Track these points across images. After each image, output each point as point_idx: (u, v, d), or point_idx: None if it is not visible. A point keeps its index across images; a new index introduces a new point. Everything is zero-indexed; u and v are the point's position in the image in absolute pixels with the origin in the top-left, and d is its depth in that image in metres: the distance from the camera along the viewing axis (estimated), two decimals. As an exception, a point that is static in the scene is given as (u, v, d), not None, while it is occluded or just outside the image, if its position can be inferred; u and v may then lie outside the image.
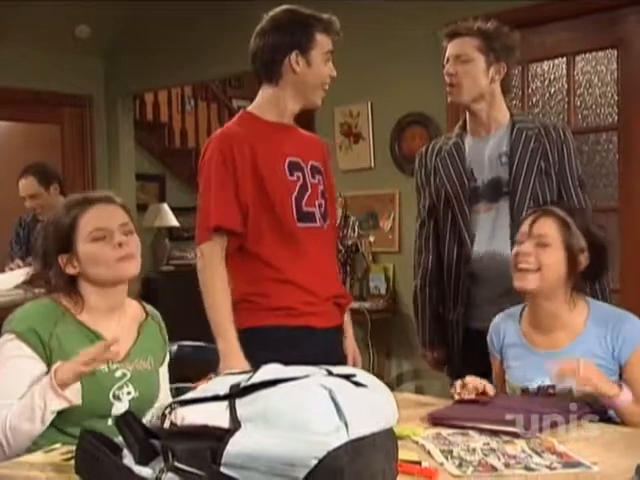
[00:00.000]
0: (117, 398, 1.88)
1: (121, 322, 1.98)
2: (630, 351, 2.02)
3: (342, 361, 2.34)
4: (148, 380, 1.99)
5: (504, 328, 2.19)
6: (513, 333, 2.16)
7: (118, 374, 1.90)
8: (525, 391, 2.06)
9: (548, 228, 2.08)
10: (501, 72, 2.53)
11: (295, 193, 2.30)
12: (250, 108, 2.41)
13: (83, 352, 1.75)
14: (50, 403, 1.73)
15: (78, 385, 1.76)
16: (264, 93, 2.38)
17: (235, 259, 2.30)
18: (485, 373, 2.19)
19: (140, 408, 1.86)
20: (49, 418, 1.74)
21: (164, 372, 2.09)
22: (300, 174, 2.33)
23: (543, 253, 2.07)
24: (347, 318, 2.52)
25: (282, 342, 2.21)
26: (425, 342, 2.73)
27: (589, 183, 3.88)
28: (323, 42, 2.35)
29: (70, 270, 1.92)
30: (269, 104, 2.36)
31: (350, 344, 2.50)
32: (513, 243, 2.22)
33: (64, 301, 1.92)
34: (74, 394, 1.75)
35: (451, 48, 2.53)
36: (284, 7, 2.38)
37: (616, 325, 2.04)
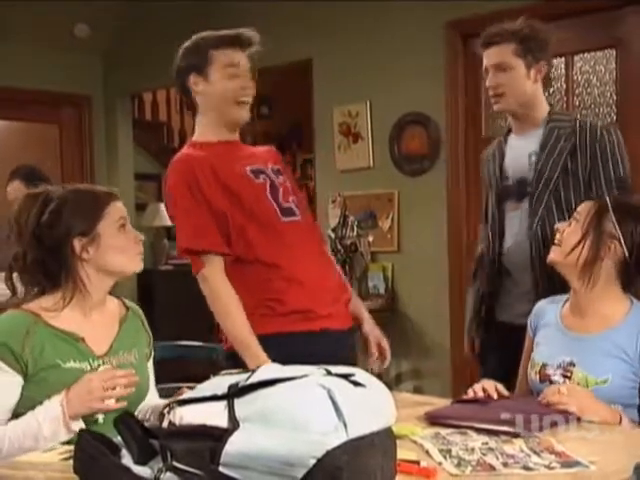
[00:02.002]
0: (129, 386, 1.84)
1: (100, 318, 1.96)
2: None
3: (355, 363, 2.28)
4: (135, 373, 1.96)
5: (545, 309, 2.20)
6: (552, 315, 2.16)
7: (102, 369, 1.88)
8: (545, 367, 2.06)
9: (583, 207, 2.11)
10: (542, 71, 2.52)
11: (268, 192, 2.29)
12: (194, 138, 2.41)
13: (97, 384, 1.75)
14: (59, 436, 1.73)
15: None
16: (197, 121, 2.41)
17: (236, 272, 2.25)
18: (509, 370, 2.22)
19: (129, 401, 1.85)
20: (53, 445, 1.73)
21: (150, 366, 2.08)
22: (265, 176, 2.32)
23: (568, 228, 2.11)
24: (357, 302, 2.49)
25: (300, 347, 2.14)
26: (464, 330, 2.75)
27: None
28: (221, 56, 2.32)
29: (84, 255, 1.89)
30: (205, 128, 2.37)
31: (369, 329, 2.45)
32: (531, 244, 2.36)
33: (43, 302, 1.88)
34: (79, 422, 1.76)
35: (489, 58, 2.51)
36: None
37: None
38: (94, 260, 1.90)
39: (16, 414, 1.80)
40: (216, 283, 2.22)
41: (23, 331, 1.81)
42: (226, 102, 2.30)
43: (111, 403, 1.77)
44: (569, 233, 2.10)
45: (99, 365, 1.88)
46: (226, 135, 2.35)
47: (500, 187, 2.56)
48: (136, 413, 1.92)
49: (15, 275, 1.93)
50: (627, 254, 2.04)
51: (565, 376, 2.02)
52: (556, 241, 2.13)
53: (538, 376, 2.09)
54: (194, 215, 2.22)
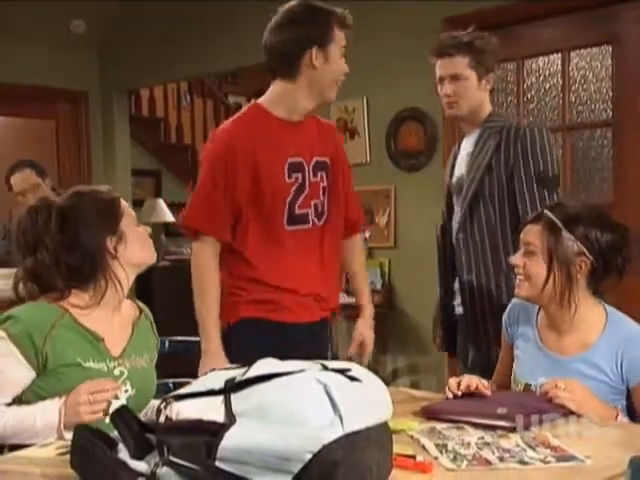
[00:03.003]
0: (115, 397, 1.86)
1: (119, 319, 1.99)
2: (638, 379, 1.95)
3: (321, 355, 2.36)
4: (145, 377, 2.00)
5: (520, 317, 2.16)
6: (528, 326, 2.12)
7: (116, 372, 1.91)
8: (528, 387, 2.05)
9: (533, 236, 2.03)
10: (491, 81, 2.66)
11: (290, 197, 2.32)
12: (260, 101, 2.39)
13: (84, 398, 1.75)
14: (50, 439, 1.74)
15: None
16: (277, 88, 2.37)
17: (223, 253, 2.35)
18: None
19: (137, 404, 1.87)
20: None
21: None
22: (299, 175, 2.34)
23: (529, 262, 2.03)
24: (364, 301, 2.59)
25: (260, 333, 2.31)
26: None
27: (585, 178, 3.92)
28: (340, 37, 2.33)
29: (117, 253, 1.95)
30: (280, 99, 2.35)
31: (359, 327, 2.57)
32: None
33: (72, 298, 1.91)
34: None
35: (444, 68, 2.63)
36: (300, 0, 2.38)
37: (629, 346, 1.96)
38: (123, 256, 1.96)
39: (29, 403, 1.82)
40: (204, 261, 2.32)
41: (49, 324, 1.83)
42: (332, 82, 2.33)
43: (100, 415, 1.76)
44: (533, 267, 2.02)
45: (114, 367, 1.91)
46: (297, 115, 2.35)
47: (448, 185, 2.80)
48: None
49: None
50: (595, 263, 1.98)
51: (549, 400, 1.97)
52: (520, 277, 2.06)
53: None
54: (213, 196, 2.29)
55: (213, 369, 1.49)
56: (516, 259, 2.07)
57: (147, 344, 2.05)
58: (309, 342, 2.36)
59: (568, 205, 2.12)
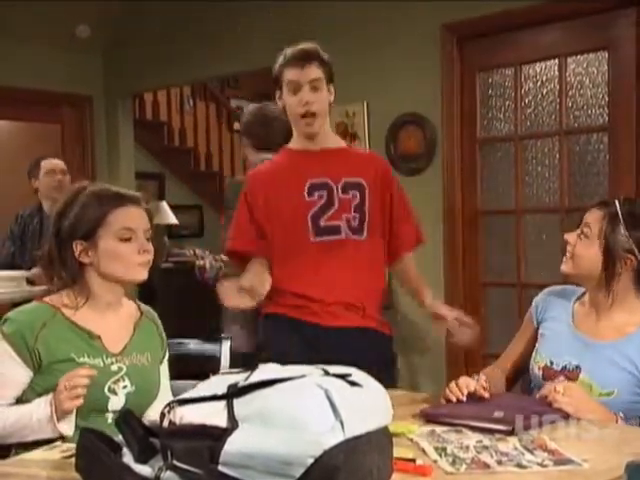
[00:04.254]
0: (113, 392, 1.90)
1: (117, 318, 2.01)
2: None
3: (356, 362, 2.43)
4: (145, 375, 2.01)
5: (554, 303, 2.19)
6: (562, 310, 2.16)
7: (114, 368, 1.92)
8: (549, 365, 2.07)
9: (593, 219, 2.07)
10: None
11: (313, 211, 2.50)
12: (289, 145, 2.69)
13: (61, 385, 1.77)
14: (45, 433, 1.78)
15: (72, 416, 1.80)
16: None
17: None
18: None
19: (137, 402, 1.91)
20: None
21: (164, 370, 2.11)
22: (324, 192, 2.52)
23: (580, 242, 2.08)
24: (427, 291, 2.70)
25: (288, 327, 2.51)
26: None
27: (581, 182, 3.97)
28: (286, 75, 2.51)
29: (84, 259, 1.93)
30: (294, 137, 2.63)
31: (439, 307, 2.68)
32: None
33: (64, 298, 1.93)
34: (70, 425, 1.80)
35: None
36: None
37: None
38: (95, 264, 1.94)
39: (29, 401, 1.84)
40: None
41: (40, 323, 1.86)
42: (295, 116, 2.54)
43: (80, 401, 1.77)
44: (583, 248, 2.07)
45: (112, 363, 1.92)
46: (312, 144, 2.58)
47: None
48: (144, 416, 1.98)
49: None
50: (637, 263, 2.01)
51: (569, 379, 2.01)
52: (568, 253, 2.11)
53: (541, 372, 2.09)
54: (239, 221, 2.59)
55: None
56: (570, 236, 2.11)
57: (150, 344, 2.06)
58: (340, 346, 2.41)
59: (637, 202, 2.14)
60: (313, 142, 2.57)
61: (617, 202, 2.07)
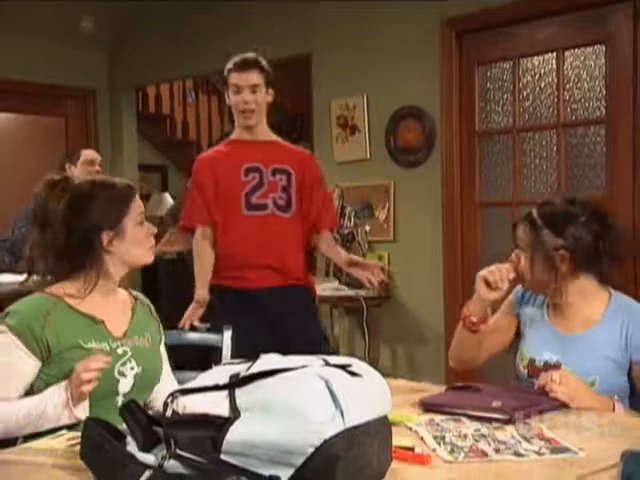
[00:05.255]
0: (122, 374, 1.93)
1: (115, 304, 2.03)
2: None
3: (285, 316, 3.07)
4: (149, 356, 2.04)
5: (530, 300, 2.25)
6: (537, 308, 2.21)
7: (120, 351, 1.95)
8: (532, 362, 2.12)
9: (521, 233, 2.16)
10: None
11: (246, 189, 3.03)
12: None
13: (77, 370, 1.79)
14: (62, 420, 1.79)
15: (86, 401, 1.82)
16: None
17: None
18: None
19: (144, 383, 1.96)
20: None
21: (163, 351, 2.15)
22: (257, 174, 3.05)
23: (520, 259, 2.15)
24: (338, 252, 3.24)
25: (229, 297, 3.06)
26: None
27: (579, 174, 4.01)
28: (231, 79, 3.04)
29: (110, 247, 1.96)
30: (235, 130, 3.17)
31: (350, 255, 3.24)
32: None
33: (67, 288, 1.94)
34: (84, 411, 1.81)
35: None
36: None
37: (631, 321, 2.05)
38: (117, 252, 1.98)
39: (40, 391, 1.84)
40: (197, 244, 3.11)
41: (44, 312, 1.87)
42: (237, 112, 3.09)
43: (93, 384, 1.79)
44: (523, 264, 2.14)
45: (117, 346, 1.95)
46: (248, 135, 3.11)
47: None
48: (149, 400, 2.03)
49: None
50: (576, 254, 2.07)
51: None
52: (519, 274, 2.17)
53: (526, 370, 2.14)
54: (191, 199, 3.13)
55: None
56: (513, 257, 2.18)
57: (147, 326, 2.08)
58: (273, 304, 3.04)
59: (553, 202, 2.20)
60: (250, 134, 3.09)
61: (533, 210, 2.16)
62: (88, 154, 4.57)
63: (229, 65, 3.04)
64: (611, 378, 2.03)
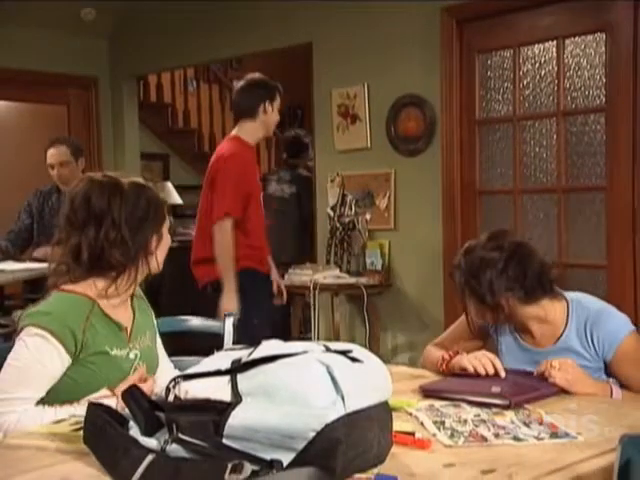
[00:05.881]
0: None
1: (124, 305, 2.01)
2: (612, 348, 2.05)
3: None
4: (151, 354, 2.05)
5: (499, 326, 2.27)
6: (510, 332, 2.23)
7: (131, 356, 1.95)
8: None
9: (458, 284, 2.16)
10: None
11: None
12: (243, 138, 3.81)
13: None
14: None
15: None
16: (249, 126, 3.80)
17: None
18: None
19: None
20: None
21: (159, 342, 2.15)
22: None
23: (471, 311, 2.18)
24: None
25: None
26: None
27: (578, 163, 4.02)
28: (279, 100, 3.81)
29: (156, 251, 1.96)
30: (253, 136, 3.82)
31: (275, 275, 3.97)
32: None
33: (94, 286, 1.90)
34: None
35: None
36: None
37: (594, 324, 2.07)
38: (156, 255, 1.98)
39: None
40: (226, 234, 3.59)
41: (84, 316, 1.85)
42: (272, 125, 3.84)
43: None
44: (473, 313, 2.17)
45: (129, 351, 1.95)
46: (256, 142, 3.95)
47: None
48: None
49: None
50: (510, 291, 2.07)
51: None
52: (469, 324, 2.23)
53: None
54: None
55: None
56: (468, 312, 2.20)
57: (146, 321, 2.08)
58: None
59: (474, 249, 2.18)
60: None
61: (460, 260, 2.16)
62: (47, 158, 4.50)
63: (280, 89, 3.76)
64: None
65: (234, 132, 3.78)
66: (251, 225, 3.66)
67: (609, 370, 2.08)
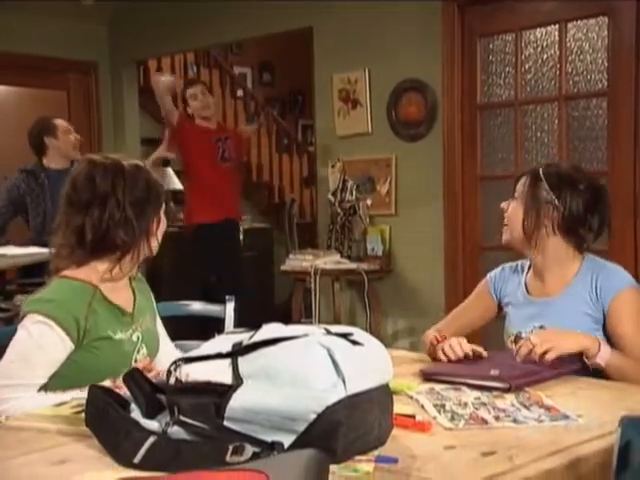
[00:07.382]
0: (136, 361, 1.93)
1: (125, 287, 2.02)
2: (609, 298, 2.09)
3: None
4: (153, 335, 2.06)
5: (508, 279, 2.30)
6: (516, 286, 2.26)
7: (134, 338, 1.95)
8: (519, 336, 2.15)
9: (520, 184, 2.22)
10: None
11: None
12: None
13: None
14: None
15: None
16: None
17: None
18: None
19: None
20: None
21: (160, 323, 2.15)
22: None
23: (510, 207, 2.22)
24: None
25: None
26: None
27: (580, 147, 4.01)
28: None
29: (157, 232, 1.97)
30: None
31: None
32: None
33: (95, 269, 1.90)
34: None
35: None
36: None
37: (599, 274, 2.12)
38: (155, 238, 1.98)
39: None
40: None
41: (86, 303, 1.85)
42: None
43: None
44: (512, 211, 2.20)
45: (131, 333, 1.95)
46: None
47: None
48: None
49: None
50: (564, 214, 2.12)
51: None
52: (505, 222, 2.23)
53: (514, 345, 2.13)
54: None
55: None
56: (504, 203, 2.25)
57: (147, 303, 2.09)
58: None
59: (559, 165, 2.30)
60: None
61: (540, 166, 2.23)
62: (62, 124, 4.51)
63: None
64: (590, 332, 2.05)
65: None
66: None
67: (606, 327, 2.09)
